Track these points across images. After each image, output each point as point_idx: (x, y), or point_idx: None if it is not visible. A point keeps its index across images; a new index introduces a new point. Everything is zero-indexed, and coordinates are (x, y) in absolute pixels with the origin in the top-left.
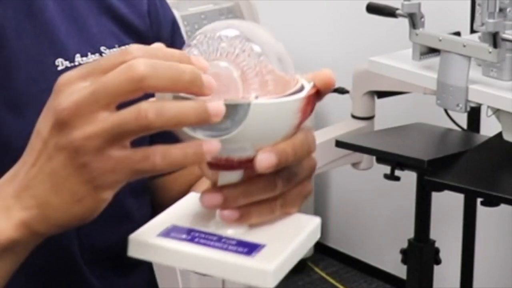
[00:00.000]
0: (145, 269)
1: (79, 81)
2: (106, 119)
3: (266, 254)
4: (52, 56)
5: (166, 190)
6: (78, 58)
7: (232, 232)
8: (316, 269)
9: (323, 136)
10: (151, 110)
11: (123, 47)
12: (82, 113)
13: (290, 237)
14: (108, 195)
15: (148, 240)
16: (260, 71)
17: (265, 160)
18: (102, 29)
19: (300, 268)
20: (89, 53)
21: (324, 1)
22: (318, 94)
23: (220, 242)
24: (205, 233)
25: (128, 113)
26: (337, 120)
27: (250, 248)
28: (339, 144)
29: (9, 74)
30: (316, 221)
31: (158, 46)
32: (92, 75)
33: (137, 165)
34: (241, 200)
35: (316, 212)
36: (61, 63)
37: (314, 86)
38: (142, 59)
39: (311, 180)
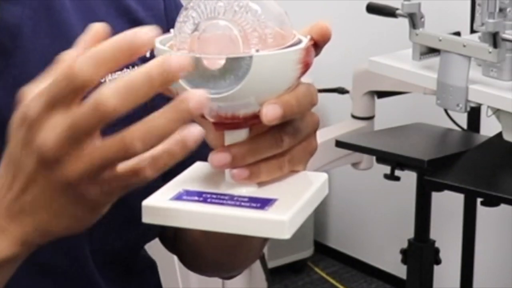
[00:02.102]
0: (152, 272)
1: (51, 113)
2: (93, 153)
3: (279, 207)
4: None
5: None
6: None
7: (243, 190)
8: (316, 269)
9: (323, 136)
10: (136, 140)
11: (61, 55)
12: (68, 150)
13: (300, 191)
14: (105, 209)
15: (162, 204)
16: (259, 26)
17: (271, 112)
18: (119, 32)
19: (300, 268)
20: None
21: (324, 1)
22: (316, 46)
23: (233, 200)
24: (217, 194)
25: (114, 146)
26: (337, 120)
27: (262, 203)
28: (339, 144)
29: (24, 73)
30: (324, 176)
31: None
32: (59, 104)
33: (129, 181)
34: (249, 157)
35: (316, 212)
36: None
37: (311, 38)
38: (109, 91)
39: (315, 137)
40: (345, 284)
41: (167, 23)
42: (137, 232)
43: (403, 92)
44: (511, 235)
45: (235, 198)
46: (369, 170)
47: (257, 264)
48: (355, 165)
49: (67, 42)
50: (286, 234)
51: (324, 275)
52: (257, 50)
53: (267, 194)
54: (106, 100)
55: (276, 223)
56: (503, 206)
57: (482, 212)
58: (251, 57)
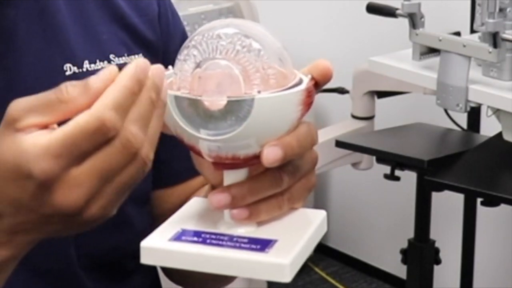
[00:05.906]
0: (146, 272)
1: (69, 171)
2: (110, 193)
3: (280, 249)
4: (61, 61)
5: (163, 201)
6: (86, 64)
7: (242, 230)
8: (316, 269)
9: (323, 136)
10: None
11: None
12: (91, 200)
13: (300, 231)
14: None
15: (161, 246)
16: (261, 66)
17: (271, 154)
18: (112, 37)
19: (300, 268)
20: (97, 60)
21: (324, 1)
22: (316, 86)
23: (232, 241)
24: (216, 234)
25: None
26: (337, 120)
27: (262, 245)
28: (339, 144)
29: (17, 76)
30: (322, 214)
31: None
32: (83, 155)
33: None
34: (249, 198)
35: None
36: (69, 68)
37: (312, 78)
38: (145, 149)
39: (314, 173)
40: (345, 284)
41: (160, 29)
42: (126, 237)
43: (403, 92)
44: (511, 235)
45: (235, 239)
46: (369, 170)
47: None
48: (355, 165)
49: (60, 46)
50: (287, 278)
51: (324, 275)
52: (259, 91)
53: (267, 234)
54: (144, 160)
55: (278, 266)
56: (503, 206)
57: (482, 212)
58: (252, 99)
